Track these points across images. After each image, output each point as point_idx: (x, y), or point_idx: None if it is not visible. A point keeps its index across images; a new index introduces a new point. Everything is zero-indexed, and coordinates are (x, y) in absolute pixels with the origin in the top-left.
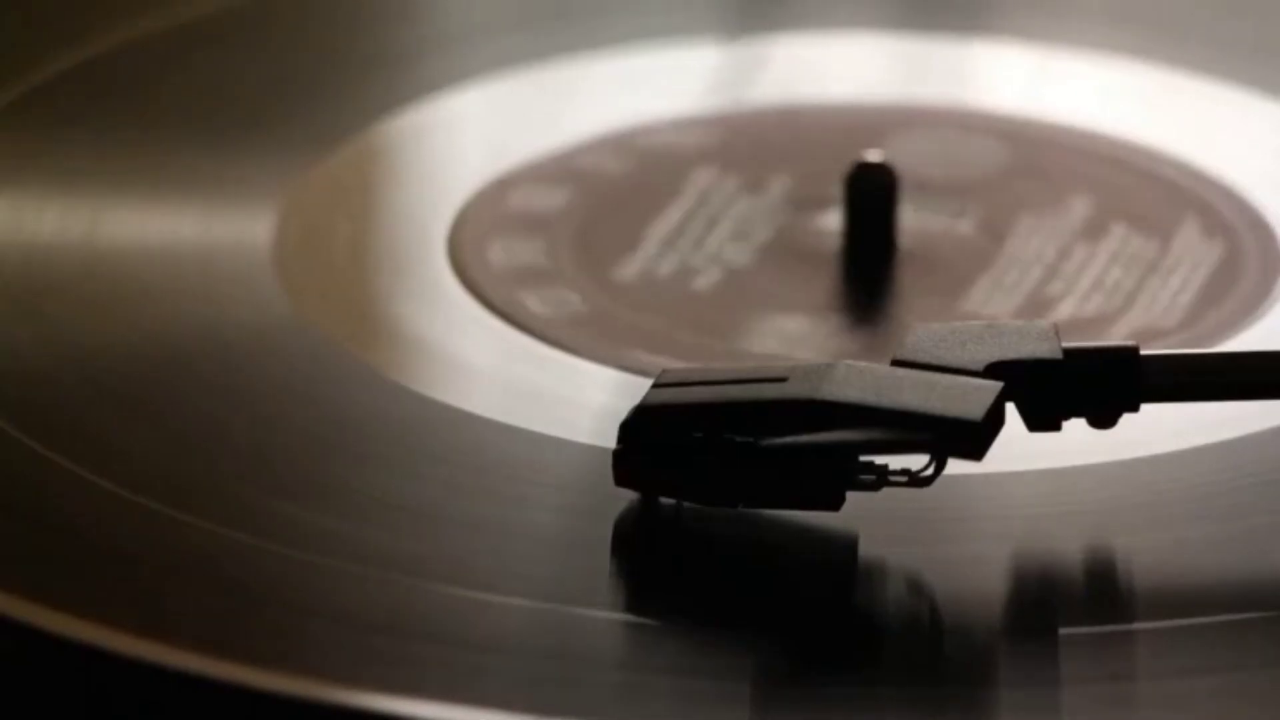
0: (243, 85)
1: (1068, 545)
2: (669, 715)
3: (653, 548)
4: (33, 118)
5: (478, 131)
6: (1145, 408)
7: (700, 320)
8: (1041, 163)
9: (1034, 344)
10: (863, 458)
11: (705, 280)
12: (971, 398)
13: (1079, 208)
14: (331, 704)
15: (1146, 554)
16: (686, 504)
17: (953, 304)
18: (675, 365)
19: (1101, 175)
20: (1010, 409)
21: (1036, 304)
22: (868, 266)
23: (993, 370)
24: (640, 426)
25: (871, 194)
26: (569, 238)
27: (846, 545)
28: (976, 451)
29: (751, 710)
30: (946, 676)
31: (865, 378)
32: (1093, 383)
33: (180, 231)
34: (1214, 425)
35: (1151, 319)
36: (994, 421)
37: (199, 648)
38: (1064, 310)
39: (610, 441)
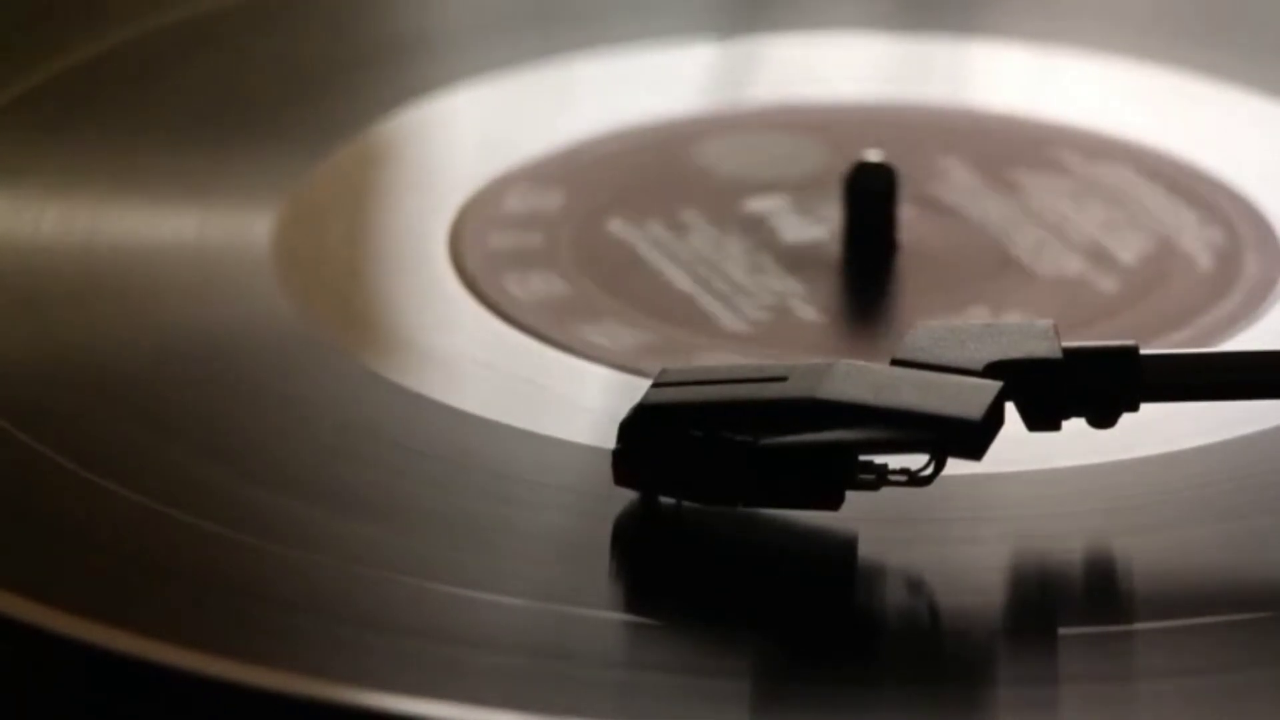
0: (243, 85)
1: (1068, 545)
2: (669, 715)
3: (653, 548)
4: (33, 118)
5: (477, 131)
6: (1145, 408)
7: (699, 319)
8: (1041, 162)
9: (1034, 343)
10: (862, 457)
11: (706, 280)
12: (971, 397)
13: (1079, 208)
14: (331, 703)
15: (1146, 554)
16: (686, 504)
17: (953, 303)
18: (675, 364)
19: (1101, 175)
20: (1010, 409)
21: (1035, 303)
22: (867, 266)
23: (992, 370)
24: (640, 426)
25: (871, 194)
26: (569, 237)
27: (846, 545)
28: (976, 451)
29: (751, 710)
30: (946, 676)
31: (865, 377)
32: (1092, 382)
33: (180, 232)
34: (1214, 425)
35: (1150, 316)
36: (994, 421)
37: (199, 647)
38: (1062, 306)
39: (610, 441)
